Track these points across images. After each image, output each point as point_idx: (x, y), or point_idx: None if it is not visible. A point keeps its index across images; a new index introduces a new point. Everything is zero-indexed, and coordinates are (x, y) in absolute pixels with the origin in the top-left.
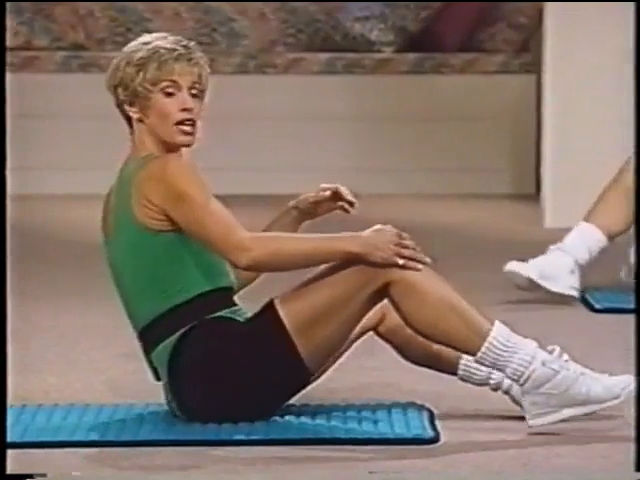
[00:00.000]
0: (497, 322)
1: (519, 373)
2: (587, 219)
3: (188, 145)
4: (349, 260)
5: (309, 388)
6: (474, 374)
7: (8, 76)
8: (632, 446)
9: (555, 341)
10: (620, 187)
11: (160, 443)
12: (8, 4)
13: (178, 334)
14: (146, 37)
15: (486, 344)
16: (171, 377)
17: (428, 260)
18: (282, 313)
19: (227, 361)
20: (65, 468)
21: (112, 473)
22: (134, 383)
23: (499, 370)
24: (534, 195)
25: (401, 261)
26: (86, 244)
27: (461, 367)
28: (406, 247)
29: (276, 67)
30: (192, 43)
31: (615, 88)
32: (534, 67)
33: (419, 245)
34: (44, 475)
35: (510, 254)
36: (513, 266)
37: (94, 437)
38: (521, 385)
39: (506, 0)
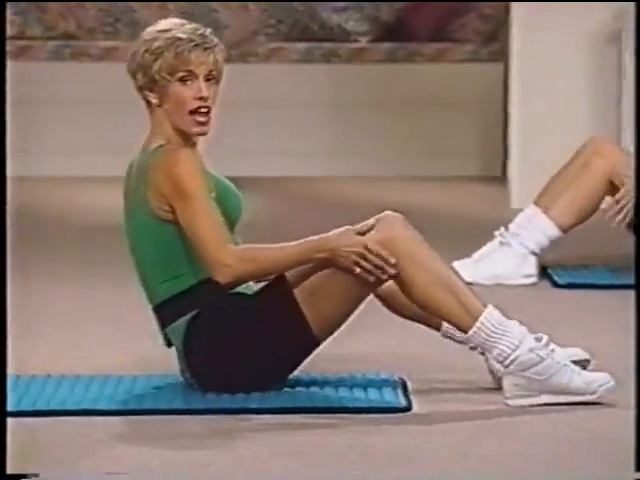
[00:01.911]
0: (490, 305)
1: (505, 355)
2: (545, 208)
3: (202, 134)
4: (319, 265)
5: None
6: (456, 332)
7: None
8: (632, 446)
9: (518, 316)
10: (587, 182)
11: (149, 412)
12: None
13: (191, 314)
14: (164, 24)
15: (477, 324)
16: (186, 352)
17: (392, 271)
18: (293, 284)
19: (240, 336)
20: (59, 436)
21: (102, 441)
22: (124, 356)
23: (486, 351)
24: (501, 177)
25: (358, 270)
26: (79, 224)
27: (444, 324)
28: (368, 260)
29: (257, 56)
30: (208, 31)
31: (578, 75)
32: (502, 56)
33: None
34: (37, 475)
35: (479, 233)
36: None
37: (85, 406)
38: (505, 367)
39: None
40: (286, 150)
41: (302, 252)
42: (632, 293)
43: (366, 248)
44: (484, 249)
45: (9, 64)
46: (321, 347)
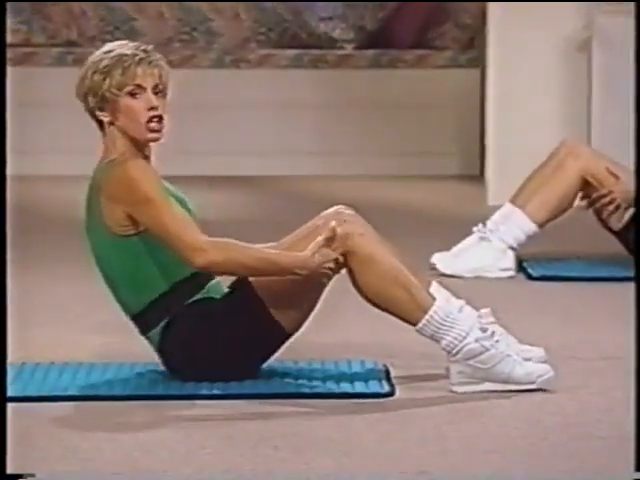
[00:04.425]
0: (439, 299)
1: (452, 346)
2: (521, 206)
3: (156, 140)
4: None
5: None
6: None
7: (9, 70)
8: (632, 446)
9: (493, 307)
10: (561, 181)
11: (145, 397)
12: (9, 5)
13: (163, 323)
14: (108, 46)
15: (427, 317)
16: (163, 359)
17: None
18: (256, 285)
19: (210, 338)
20: (62, 420)
21: (100, 425)
22: (121, 345)
23: (436, 341)
24: (478, 176)
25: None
26: (77, 220)
27: None
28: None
29: (249, 62)
30: (150, 47)
31: (550, 80)
32: (479, 62)
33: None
34: (33, 475)
35: (458, 228)
36: (441, 267)
37: (87, 392)
38: (453, 356)
39: (453, 0)
40: (277, 150)
41: (286, 263)
42: (602, 285)
43: (335, 260)
44: (463, 243)
45: (16, 70)
46: (306, 336)
